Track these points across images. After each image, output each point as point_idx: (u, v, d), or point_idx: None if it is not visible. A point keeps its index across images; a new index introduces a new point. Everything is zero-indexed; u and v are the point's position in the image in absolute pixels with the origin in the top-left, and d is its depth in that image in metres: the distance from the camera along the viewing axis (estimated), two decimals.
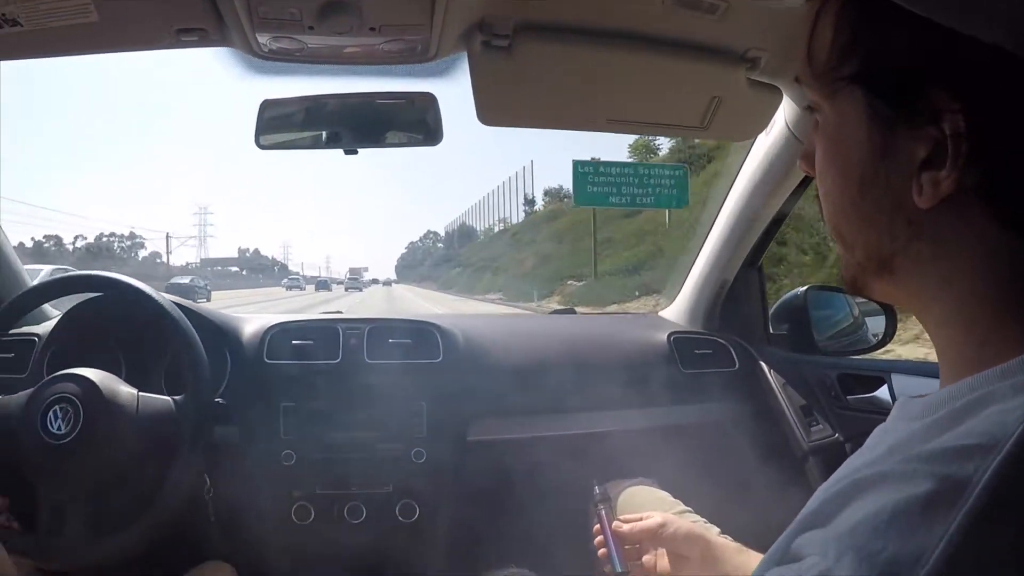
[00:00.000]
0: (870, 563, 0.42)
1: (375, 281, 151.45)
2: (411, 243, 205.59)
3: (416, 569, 1.96)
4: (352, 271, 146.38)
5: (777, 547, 0.52)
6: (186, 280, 52.44)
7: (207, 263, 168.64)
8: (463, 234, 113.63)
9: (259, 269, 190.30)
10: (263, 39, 1.38)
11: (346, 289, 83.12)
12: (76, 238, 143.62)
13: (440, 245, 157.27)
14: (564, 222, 47.28)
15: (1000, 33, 0.45)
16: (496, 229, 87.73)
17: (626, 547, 1.34)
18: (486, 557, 1.79)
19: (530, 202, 74.48)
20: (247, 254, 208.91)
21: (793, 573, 0.46)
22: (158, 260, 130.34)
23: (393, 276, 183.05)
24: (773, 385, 2.05)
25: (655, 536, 1.29)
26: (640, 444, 1.90)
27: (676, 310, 2.39)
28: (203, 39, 1.41)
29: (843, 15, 0.58)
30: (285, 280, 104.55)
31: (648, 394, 2.01)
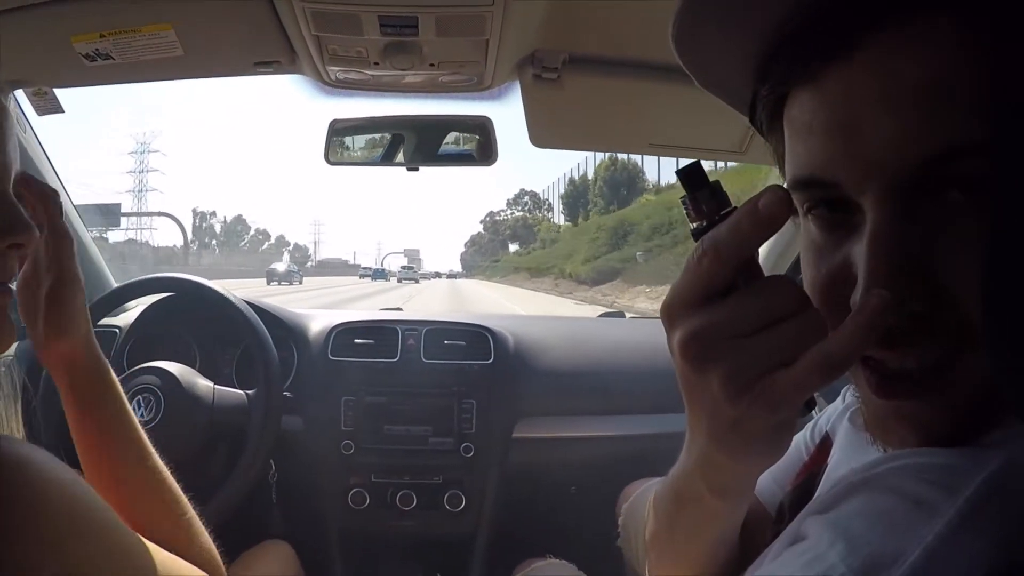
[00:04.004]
0: (856, 554, 0.44)
1: (437, 275, 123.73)
2: (489, 215, 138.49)
3: (460, 555, 2.07)
4: (408, 253, 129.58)
5: (791, 527, 0.56)
6: (283, 267, 57.20)
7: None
8: (618, 181, 70.24)
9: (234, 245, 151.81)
10: (333, 71, 1.51)
11: (399, 280, 75.41)
12: None
13: (547, 215, 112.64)
14: None
15: None
16: None
17: None
18: (526, 546, 1.87)
19: None
20: (210, 219, 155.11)
21: (796, 554, 0.51)
22: None
23: (458, 268, 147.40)
24: None
25: None
26: (672, 446, 1.97)
27: None
28: (278, 69, 1.55)
29: None
30: (361, 270, 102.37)
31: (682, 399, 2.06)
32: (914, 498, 0.45)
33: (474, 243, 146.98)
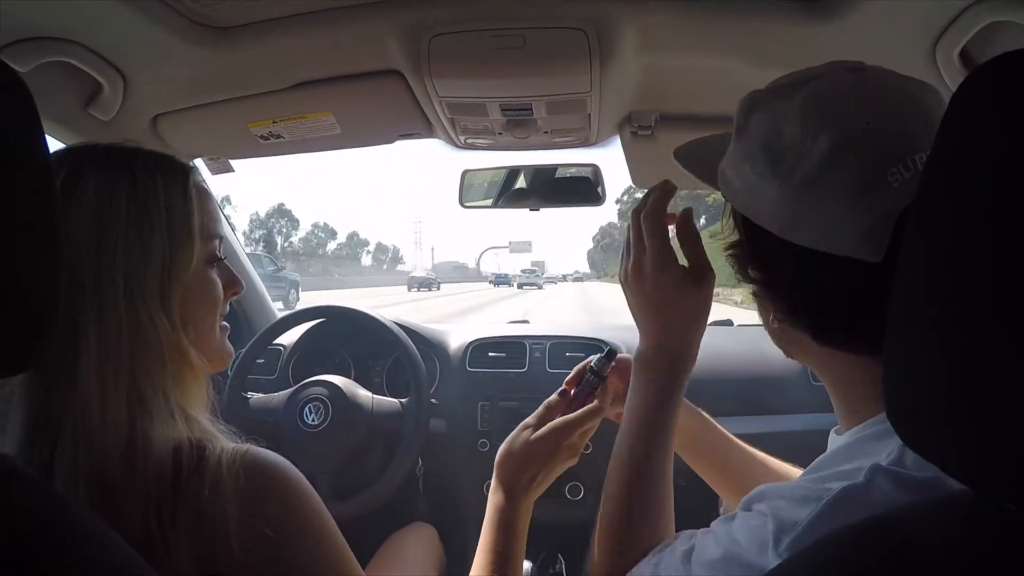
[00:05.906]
0: (777, 518, 0.69)
1: (564, 278, 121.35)
2: (628, 193, 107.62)
3: (579, 538, 2.18)
4: (515, 247, 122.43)
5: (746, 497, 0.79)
6: (423, 274, 62.04)
7: None
8: None
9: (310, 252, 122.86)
10: (463, 138, 1.81)
11: (519, 286, 70.16)
12: None
13: None
14: None
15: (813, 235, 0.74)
16: None
17: None
18: None
19: None
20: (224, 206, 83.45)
21: (753, 515, 0.74)
22: None
23: (585, 268, 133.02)
24: None
25: None
26: (767, 447, 2.16)
27: None
28: (417, 137, 1.84)
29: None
30: (491, 276, 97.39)
31: (779, 403, 2.22)
32: (809, 491, 0.70)
33: (604, 235, 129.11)
